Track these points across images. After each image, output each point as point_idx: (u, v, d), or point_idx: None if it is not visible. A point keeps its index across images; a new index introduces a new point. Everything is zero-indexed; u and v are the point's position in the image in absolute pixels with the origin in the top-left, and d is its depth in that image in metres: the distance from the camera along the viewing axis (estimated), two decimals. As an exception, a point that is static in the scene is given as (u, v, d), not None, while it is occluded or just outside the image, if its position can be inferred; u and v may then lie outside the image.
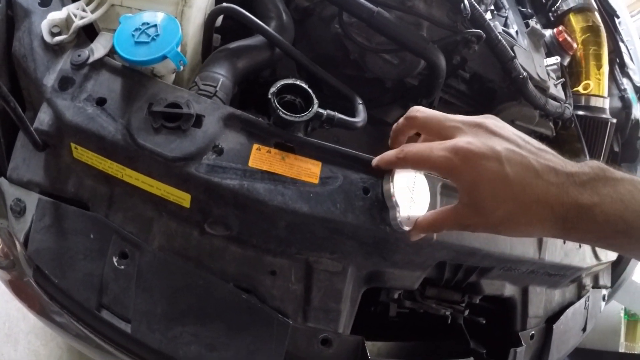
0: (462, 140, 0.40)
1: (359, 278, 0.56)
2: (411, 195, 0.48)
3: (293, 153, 0.50)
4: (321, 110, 0.52)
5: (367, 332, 0.55)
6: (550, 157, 0.40)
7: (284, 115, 0.48)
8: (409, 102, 0.77)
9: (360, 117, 0.58)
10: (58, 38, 0.50)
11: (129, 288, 0.49)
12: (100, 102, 0.48)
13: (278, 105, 0.49)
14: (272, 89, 0.49)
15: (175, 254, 0.51)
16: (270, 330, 0.49)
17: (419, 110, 0.46)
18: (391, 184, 0.48)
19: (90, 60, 0.49)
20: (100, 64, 0.49)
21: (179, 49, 0.47)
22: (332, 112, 0.53)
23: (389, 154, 0.47)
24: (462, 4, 0.65)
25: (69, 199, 0.52)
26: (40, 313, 0.68)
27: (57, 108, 0.48)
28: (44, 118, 0.49)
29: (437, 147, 0.41)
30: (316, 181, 0.50)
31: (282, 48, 0.59)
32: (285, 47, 0.59)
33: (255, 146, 0.49)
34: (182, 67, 0.49)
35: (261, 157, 0.49)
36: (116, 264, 0.50)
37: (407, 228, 0.47)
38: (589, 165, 0.39)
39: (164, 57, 0.46)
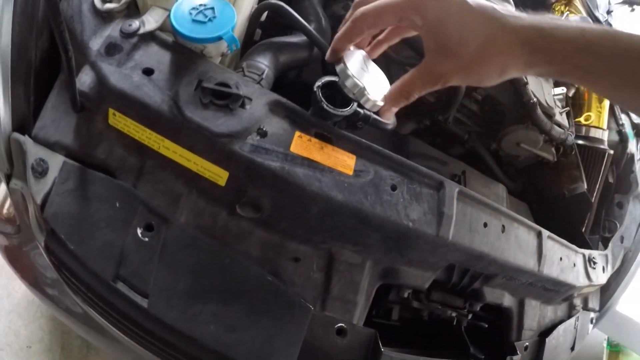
0: None
1: (375, 273, 0.59)
2: (369, 76, 0.50)
3: (331, 144, 0.54)
4: (359, 109, 0.56)
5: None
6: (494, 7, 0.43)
7: (327, 108, 0.52)
8: (424, 117, 0.83)
9: (391, 120, 0.62)
10: (109, 5, 0.52)
11: (151, 261, 0.50)
12: (148, 72, 0.50)
13: (323, 98, 0.53)
14: (318, 83, 0.53)
15: (201, 232, 0.53)
16: (291, 315, 0.51)
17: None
18: (343, 64, 0.48)
19: (141, 31, 0.51)
20: (150, 37, 0.52)
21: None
22: (368, 112, 0.58)
23: (341, 30, 0.47)
24: None
25: (96, 166, 0.53)
26: (32, 284, 0.67)
27: (102, 72, 0.49)
28: (85, 80, 0.50)
29: None
30: (350, 172, 0.54)
31: (321, 49, 0.63)
32: (325, 49, 0.63)
33: (297, 133, 0.52)
34: (233, 50, 0.52)
35: (302, 144, 0.52)
36: (140, 235, 0.50)
37: (379, 104, 0.48)
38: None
39: (220, 38, 0.49)
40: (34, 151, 0.53)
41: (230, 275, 0.51)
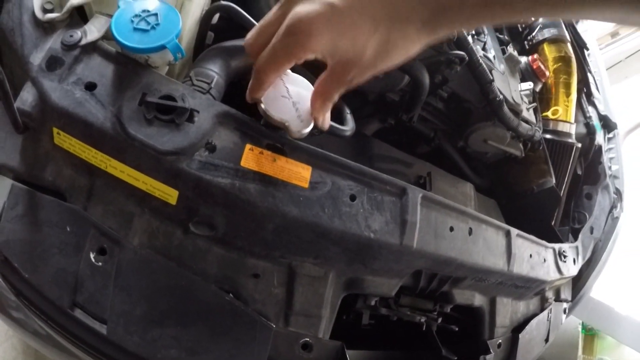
0: (293, 19, 0.38)
1: (339, 284, 0.56)
2: (292, 100, 0.47)
3: (284, 156, 0.49)
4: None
5: (341, 341, 0.55)
6: None
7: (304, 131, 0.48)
8: (388, 116, 0.79)
9: (349, 126, 0.58)
10: (50, 15, 0.47)
11: (106, 286, 0.46)
12: (90, 86, 0.45)
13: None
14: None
15: (156, 252, 0.49)
16: (252, 334, 0.48)
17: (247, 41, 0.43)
18: (261, 105, 0.46)
19: (83, 42, 0.46)
20: (92, 48, 0.47)
21: (177, 41, 0.45)
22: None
23: (250, 84, 0.45)
24: None
25: (45, 188, 0.49)
26: (-4, 307, 0.63)
27: (43, 88, 0.45)
28: (27, 98, 0.46)
29: (277, 39, 0.40)
30: (306, 185, 0.49)
31: None
32: None
33: (248, 146, 0.48)
34: (179, 59, 0.47)
35: (253, 158, 0.48)
36: (93, 260, 0.47)
37: (306, 131, 0.46)
38: None
39: (163, 47, 0.44)
40: (-20, 175, 0.49)
41: (187, 296, 0.48)
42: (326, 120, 0.47)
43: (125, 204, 0.49)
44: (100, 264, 0.47)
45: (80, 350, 0.53)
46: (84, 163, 0.48)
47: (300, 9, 0.38)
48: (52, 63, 0.46)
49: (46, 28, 0.49)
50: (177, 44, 0.45)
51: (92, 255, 0.47)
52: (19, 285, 0.49)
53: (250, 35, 0.44)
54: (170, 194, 0.47)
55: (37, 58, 0.47)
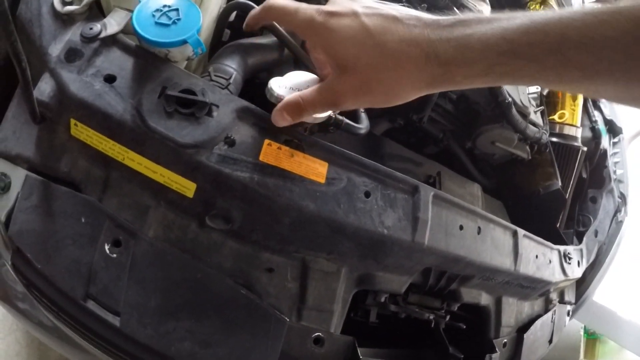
0: (325, 6, 0.41)
1: (351, 280, 0.56)
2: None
3: (302, 152, 0.50)
4: (331, 114, 0.52)
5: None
6: (413, 10, 0.40)
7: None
8: (398, 116, 0.80)
9: (364, 124, 0.59)
10: (69, 7, 0.48)
11: (120, 278, 0.46)
12: (110, 79, 0.46)
13: None
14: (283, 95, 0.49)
15: (171, 245, 0.49)
16: (267, 328, 0.48)
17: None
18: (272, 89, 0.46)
19: (103, 35, 0.47)
20: (112, 41, 0.47)
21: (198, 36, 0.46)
22: (340, 117, 0.54)
23: (255, 10, 0.46)
24: None
25: (60, 179, 0.49)
26: (3, 298, 0.63)
27: (62, 79, 0.45)
28: (44, 88, 0.46)
29: (303, 7, 0.42)
30: (323, 181, 0.50)
31: (292, 50, 0.59)
32: (295, 50, 0.59)
33: (267, 141, 0.49)
34: (199, 54, 0.48)
35: (271, 153, 0.48)
36: (108, 252, 0.47)
37: (318, 116, 0.46)
38: (459, 13, 0.40)
39: (184, 42, 0.45)
40: (-5, 165, 0.49)
41: (202, 289, 0.48)
42: (281, 120, 0.45)
43: (141, 196, 0.49)
44: (114, 255, 0.47)
45: (89, 342, 0.53)
46: (100, 155, 0.48)
47: (328, 7, 0.41)
48: (71, 55, 0.47)
49: (65, 20, 0.49)
50: (199, 39, 0.46)
51: (106, 247, 0.47)
52: (31, 277, 0.49)
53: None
54: (187, 187, 0.47)
55: (55, 49, 0.47)
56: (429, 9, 0.70)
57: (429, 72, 0.37)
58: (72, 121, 0.47)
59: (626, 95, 0.34)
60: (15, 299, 0.62)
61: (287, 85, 0.47)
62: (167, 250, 0.48)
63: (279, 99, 0.46)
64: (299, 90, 0.45)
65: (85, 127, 0.47)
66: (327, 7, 0.41)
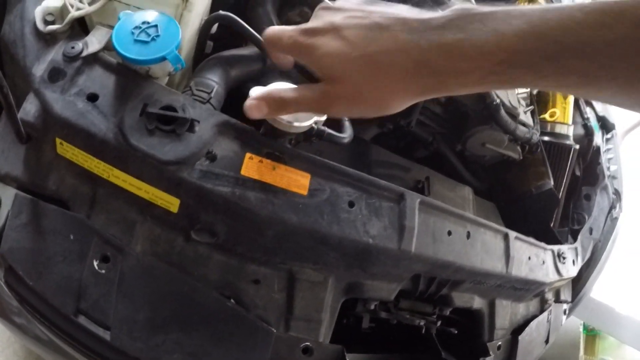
0: (307, 24, 0.41)
1: (338, 289, 0.57)
2: None
3: (284, 164, 0.51)
4: (312, 124, 0.53)
5: (341, 345, 0.56)
6: (400, 11, 0.38)
7: (276, 126, 0.49)
8: (387, 121, 0.80)
9: (347, 134, 0.60)
10: (51, 27, 0.49)
11: (110, 293, 0.48)
12: (92, 98, 0.47)
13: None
14: None
15: (158, 259, 0.50)
16: (254, 339, 0.49)
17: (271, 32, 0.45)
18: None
19: (84, 53, 0.48)
20: (93, 59, 0.48)
21: (178, 52, 0.47)
22: (322, 127, 0.55)
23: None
24: None
25: (49, 197, 0.50)
26: (-1, 313, 0.65)
27: (46, 100, 0.46)
28: (30, 109, 0.47)
29: (287, 30, 0.42)
30: (305, 192, 0.51)
31: (254, 42, 0.59)
32: (257, 43, 0.59)
33: (248, 155, 0.49)
34: (179, 69, 0.49)
35: (253, 166, 0.49)
36: (97, 267, 0.48)
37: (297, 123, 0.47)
38: (450, 9, 0.35)
39: (163, 59, 0.46)
40: (-16, 184, 0.50)
41: (189, 302, 0.49)
42: (256, 111, 0.44)
43: (127, 212, 0.50)
44: (103, 271, 0.48)
45: (83, 356, 0.55)
46: (86, 172, 0.49)
47: (309, 25, 0.41)
48: (54, 74, 0.48)
49: (48, 40, 0.50)
50: (177, 55, 0.47)
51: (95, 263, 0.48)
52: (24, 293, 0.50)
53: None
54: (171, 203, 0.48)
55: (39, 69, 0.48)
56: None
57: (420, 82, 0.36)
58: (58, 140, 0.48)
59: (628, 100, 0.32)
60: (11, 314, 0.64)
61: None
62: (154, 265, 0.49)
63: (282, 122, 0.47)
64: None
65: (70, 146, 0.48)
66: (308, 25, 0.41)
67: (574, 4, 0.33)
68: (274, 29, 0.44)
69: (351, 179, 0.54)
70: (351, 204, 0.53)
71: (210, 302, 0.49)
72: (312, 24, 0.41)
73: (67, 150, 0.49)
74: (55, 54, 0.49)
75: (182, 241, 0.51)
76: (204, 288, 0.49)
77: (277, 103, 0.44)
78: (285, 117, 0.48)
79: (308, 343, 0.53)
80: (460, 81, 0.35)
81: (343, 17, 0.39)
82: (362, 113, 0.42)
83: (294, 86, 0.45)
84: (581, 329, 1.49)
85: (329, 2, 0.43)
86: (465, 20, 0.34)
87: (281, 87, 0.48)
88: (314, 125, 0.53)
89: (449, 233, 0.60)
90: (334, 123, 0.62)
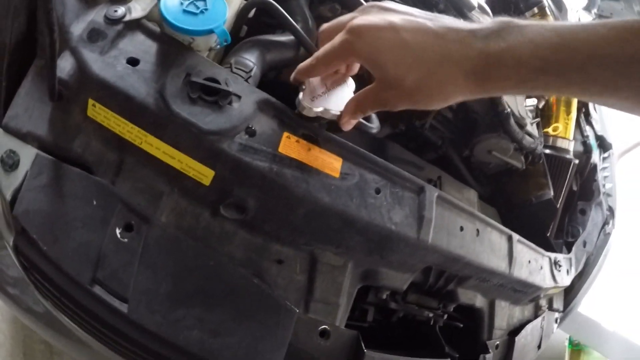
0: (355, 21, 0.44)
1: (356, 275, 0.60)
2: (326, 94, 0.53)
3: (318, 146, 0.54)
4: None
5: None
6: (448, 20, 0.43)
7: (309, 115, 0.52)
8: (400, 122, 0.85)
9: (375, 124, 0.63)
10: (93, -12, 0.50)
11: (131, 264, 0.47)
12: (133, 62, 0.48)
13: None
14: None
15: (182, 233, 0.51)
16: (276, 318, 0.51)
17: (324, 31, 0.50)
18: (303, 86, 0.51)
19: (127, 18, 0.49)
20: (136, 25, 0.50)
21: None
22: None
23: (303, 65, 0.50)
24: None
25: (72, 160, 0.50)
26: (-9, 282, 0.63)
27: (83, 58, 0.47)
28: (64, 66, 0.48)
29: (336, 37, 0.46)
30: (337, 175, 0.54)
31: (308, 50, 0.63)
32: (312, 50, 0.63)
33: (286, 134, 0.52)
34: (223, 45, 0.51)
35: (290, 145, 0.52)
36: (119, 236, 0.48)
37: (317, 110, 0.51)
38: (492, 20, 0.42)
39: (211, 31, 0.48)
40: (4, 142, 0.50)
41: (214, 277, 0.50)
42: (350, 126, 0.52)
43: (155, 182, 0.51)
44: (126, 240, 0.48)
45: (87, 330, 0.54)
46: (116, 138, 0.50)
47: (364, 16, 0.45)
48: (94, 35, 0.49)
49: (88, 1, 0.51)
50: (225, 30, 0.49)
51: (117, 231, 0.48)
52: (35, 259, 0.49)
53: (327, 24, 0.50)
54: (205, 174, 0.50)
55: (77, 29, 0.49)
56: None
57: (467, 89, 0.42)
58: (90, 101, 0.49)
59: None
60: (4, 284, 0.63)
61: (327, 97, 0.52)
62: (180, 237, 0.50)
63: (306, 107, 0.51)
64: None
65: (103, 109, 0.49)
66: (358, 23, 0.44)
67: (599, 21, 0.39)
68: (331, 23, 0.49)
69: (378, 167, 0.58)
70: (377, 191, 0.56)
71: (235, 278, 0.51)
72: (359, 20, 0.44)
73: (99, 113, 0.49)
74: (96, 15, 0.50)
75: (209, 216, 0.53)
76: (229, 263, 0.51)
77: (360, 111, 0.50)
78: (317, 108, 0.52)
79: (326, 326, 0.55)
80: (500, 85, 0.42)
81: (400, 18, 0.44)
82: (414, 106, 0.46)
83: (362, 92, 0.49)
84: (567, 344, 1.58)
85: (376, 2, 0.48)
86: (506, 32, 0.40)
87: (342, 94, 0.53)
88: None
89: (461, 228, 0.65)
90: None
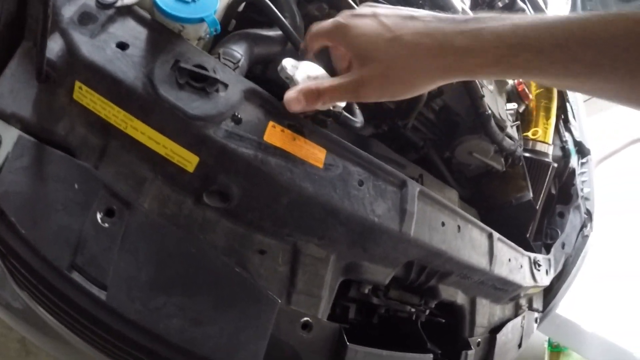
0: (346, 12, 0.50)
1: (338, 268, 0.62)
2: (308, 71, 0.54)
3: (303, 137, 0.56)
4: (331, 106, 0.58)
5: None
6: (433, 13, 0.47)
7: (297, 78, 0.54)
8: (383, 122, 0.88)
9: (359, 119, 0.65)
10: (85, -27, 0.51)
11: (111, 249, 0.47)
12: (122, 46, 0.49)
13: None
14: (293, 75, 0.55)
15: (164, 220, 0.52)
16: (258, 308, 0.51)
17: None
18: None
19: (119, 4, 0.50)
20: (127, 11, 0.51)
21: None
22: (339, 110, 0.60)
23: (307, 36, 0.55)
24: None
25: (55, 143, 0.51)
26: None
27: (73, 40, 0.48)
28: (53, 47, 0.48)
29: (327, 21, 0.51)
30: (321, 166, 0.56)
31: (295, 45, 0.65)
32: (299, 46, 0.65)
33: (271, 123, 0.54)
34: (213, 34, 0.52)
35: (275, 134, 0.54)
36: (100, 221, 0.48)
37: (296, 77, 0.52)
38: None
39: (201, 20, 0.50)
40: (-13, 123, 0.50)
41: (196, 265, 0.50)
42: (295, 104, 0.51)
43: (138, 167, 0.52)
44: (106, 225, 0.48)
45: (64, 323, 0.54)
46: (101, 122, 0.51)
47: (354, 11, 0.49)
48: (85, 18, 0.50)
49: (80, -16, 0.52)
50: (215, 19, 0.51)
51: (98, 216, 0.48)
52: (12, 242, 0.49)
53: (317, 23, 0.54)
54: (189, 161, 0.51)
55: (68, 11, 0.50)
56: None
57: (443, 61, 0.43)
58: (77, 84, 0.49)
59: (632, 94, 0.38)
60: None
61: (299, 67, 0.53)
62: (163, 223, 0.50)
63: (289, 78, 0.52)
64: (309, 77, 0.52)
65: (90, 92, 0.50)
66: (351, 11, 0.49)
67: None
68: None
69: (361, 159, 0.60)
70: (360, 183, 0.58)
71: (218, 266, 0.51)
72: (354, 11, 0.50)
73: (85, 96, 0.50)
74: None
75: (191, 204, 0.53)
76: (212, 251, 0.51)
77: (314, 94, 0.50)
78: None
79: (308, 318, 0.56)
80: (479, 61, 0.42)
81: (385, 8, 0.49)
82: (392, 94, 0.48)
83: (328, 76, 0.51)
84: (546, 345, 1.62)
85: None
86: (486, 17, 0.43)
87: (314, 72, 0.54)
88: (331, 107, 0.59)
89: (443, 224, 0.67)
90: (345, 109, 0.68)
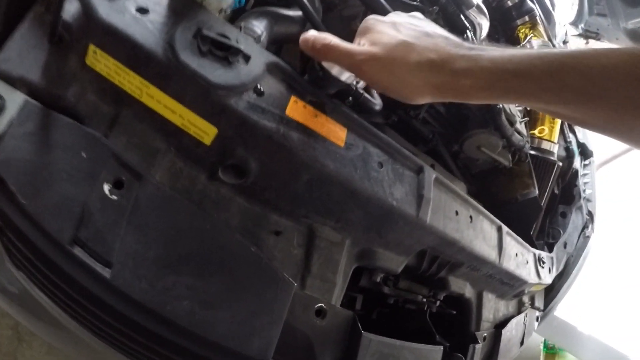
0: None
1: (352, 254, 0.61)
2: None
3: (325, 114, 0.55)
4: (354, 83, 0.58)
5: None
6: (444, 30, 0.51)
7: (324, 76, 0.54)
8: (393, 113, 0.88)
9: (378, 101, 0.65)
10: None
11: (117, 224, 0.45)
12: (142, 10, 0.48)
13: (320, 66, 0.54)
14: None
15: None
16: (274, 291, 0.50)
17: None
18: None
19: (140, -32, 0.49)
20: (147, -24, 0.50)
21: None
22: (360, 90, 0.60)
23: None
24: (464, 35, 0.80)
25: (63, 110, 0.49)
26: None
27: (90, 2, 0.46)
28: (68, 9, 0.47)
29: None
30: (342, 144, 0.55)
31: (315, 26, 0.64)
32: (318, 27, 0.64)
33: (293, 98, 0.53)
34: (236, 6, 0.52)
35: (297, 109, 0.53)
36: (107, 192, 0.45)
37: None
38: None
39: (227, -12, 0.49)
40: (-10, 85, 0.48)
41: (210, 242, 0.48)
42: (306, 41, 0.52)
43: (151, 138, 0.50)
44: (114, 197, 0.45)
45: (62, 309, 0.51)
46: (113, 89, 0.49)
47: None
48: (103, -20, 0.48)
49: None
50: (240, -11, 0.50)
51: (106, 187, 0.46)
52: (11, 214, 0.46)
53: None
54: (206, 132, 0.50)
55: None
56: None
57: (440, 77, 0.46)
58: (92, 48, 0.48)
59: (622, 126, 0.41)
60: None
61: None
62: (175, 197, 0.48)
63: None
64: None
65: (105, 56, 0.48)
66: (374, 16, 0.54)
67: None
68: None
69: (381, 142, 0.59)
70: (380, 165, 0.58)
71: (232, 244, 0.49)
72: (378, 17, 0.54)
73: (99, 61, 0.48)
74: None
75: (205, 179, 0.52)
76: (226, 228, 0.49)
77: (325, 46, 0.50)
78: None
79: (322, 304, 0.55)
80: (473, 83, 0.45)
81: (405, 19, 0.52)
82: (387, 86, 0.50)
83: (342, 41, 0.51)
84: (541, 347, 1.65)
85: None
86: (489, 48, 0.46)
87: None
88: (353, 85, 0.58)
89: (456, 213, 0.67)
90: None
